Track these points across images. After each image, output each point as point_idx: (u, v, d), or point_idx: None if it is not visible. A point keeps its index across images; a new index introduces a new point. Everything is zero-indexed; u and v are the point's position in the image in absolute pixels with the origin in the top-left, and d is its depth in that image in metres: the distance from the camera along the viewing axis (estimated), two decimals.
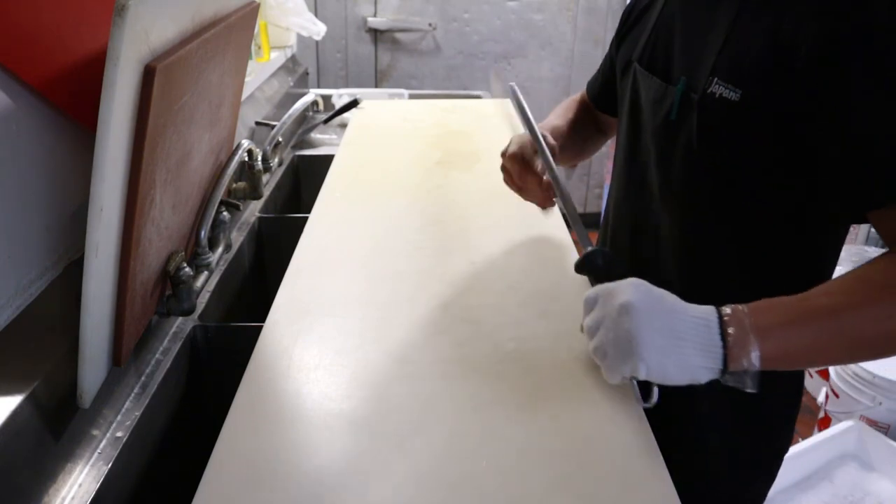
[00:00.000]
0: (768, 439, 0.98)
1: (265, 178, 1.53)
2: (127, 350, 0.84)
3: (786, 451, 1.00)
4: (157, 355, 0.99)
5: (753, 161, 0.79)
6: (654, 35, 0.93)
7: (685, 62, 0.85)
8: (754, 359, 0.68)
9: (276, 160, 1.65)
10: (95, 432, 0.82)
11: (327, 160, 1.64)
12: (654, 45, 0.92)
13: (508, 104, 2.11)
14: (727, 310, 0.71)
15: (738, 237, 0.86)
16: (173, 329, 1.05)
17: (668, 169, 0.88)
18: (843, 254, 2.45)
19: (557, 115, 1.19)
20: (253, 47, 1.79)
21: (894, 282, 0.69)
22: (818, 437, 1.87)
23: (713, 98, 0.79)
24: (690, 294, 0.76)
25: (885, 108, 0.69)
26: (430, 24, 3.18)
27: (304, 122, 2.13)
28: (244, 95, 1.49)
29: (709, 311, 0.71)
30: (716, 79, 0.79)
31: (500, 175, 1.38)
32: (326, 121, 2.08)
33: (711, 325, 0.70)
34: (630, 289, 0.73)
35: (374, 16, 3.16)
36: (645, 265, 0.95)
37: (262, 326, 0.98)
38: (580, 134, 1.18)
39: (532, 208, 1.21)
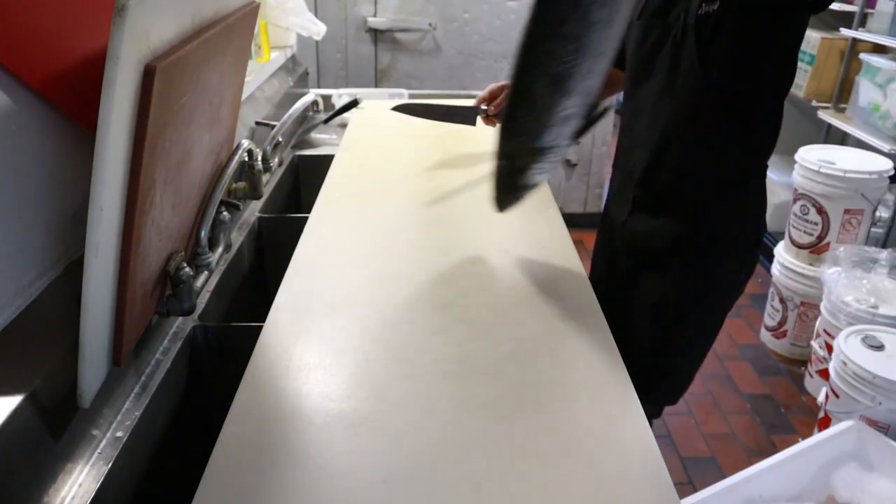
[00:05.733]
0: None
1: (265, 178, 1.53)
2: (127, 350, 0.84)
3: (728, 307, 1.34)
4: (157, 355, 0.99)
5: (732, 57, 1.09)
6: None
7: (679, 5, 1.15)
8: None
9: (276, 160, 1.65)
10: (95, 432, 0.82)
11: (327, 160, 1.64)
12: (652, 4, 1.21)
13: None
14: None
15: (722, 116, 1.16)
16: (173, 329, 1.05)
17: (676, 79, 1.16)
18: (842, 254, 2.42)
19: None
20: (253, 47, 1.79)
21: None
22: (818, 437, 1.86)
23: (703, 17, 1.09)
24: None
25: None
26: (430, 24, 3.18)
27: (304, 122, 2.13)
28: (244, 95, 1.49)
29: None
30: (703, 3, 1.09)
31: None
32: (326, 121, 2.08)
33: None
34: None
35: (374, 16, 3.16)
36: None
37: (262, 326, 0.98)
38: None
39: (532, 208, 1.22)
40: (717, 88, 1.13)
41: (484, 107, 1.51)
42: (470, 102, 2.23)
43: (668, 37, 1.16)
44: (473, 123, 1.54)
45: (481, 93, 1.53)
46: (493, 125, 1.51)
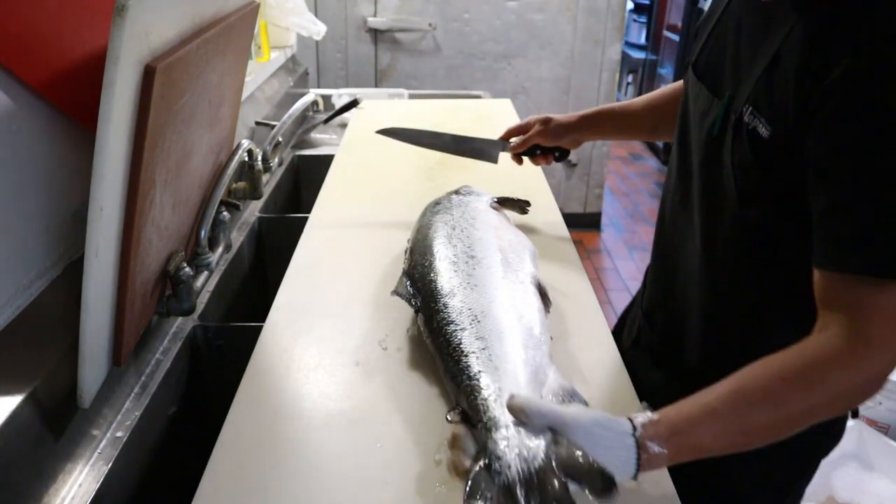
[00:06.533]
0: (797, 468, 0.95)
1: (265, 178, 1.53)
2: (127, 350, 0.84)
3: (810, 476, 0.97)
4: (157, 355, 0.99)
5: (781, 194, 0.76)
6: (710, 43, 0.90)
7: (732, 79, 0.82)
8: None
9: (276, 160, 1.65)
10: (95, 432, 0.82)
11: (327, 160, 1.64)
12: (708, 54, 0.90)
13: (508, 104, 2.11)
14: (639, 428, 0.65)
15: (759, 267, 0.82)
16: (173, 329, 1.05)
17: (712, 181, 0.84)
18: None
19: (643, 96, 1.25)
20: (253, 47, 1.79)
21: (788, 372, 0.66)
22: None
23: (747, 128, 0.76)
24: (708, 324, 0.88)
25: (847, 177, 0.67)
26: (430, 24, 3.18)
27: (304, 122, 2.13)
28: (244, 95, 1.49)
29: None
30: (752, 109, 0.76)
31: (500, 175, 1.38)
32: (326, 121, 2.08)
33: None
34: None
35: (374, 16, 3.16)
36: (674, 283, 0.96)
37: (262, 326, 0.98)
38: (659, 111, 1.18)
39: (532, 208, 1.22)
40: (756, 232, 0.80)
41: (513, 140, 1.29)
42: (470, 102, 2.22)
43: (710, 112, 0.84)
44: (495, 161, 1.32)
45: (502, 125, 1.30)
46: (520, 163, 1.30)
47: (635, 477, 0.63)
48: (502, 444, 0.66)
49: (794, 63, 0.70)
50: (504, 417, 0.69)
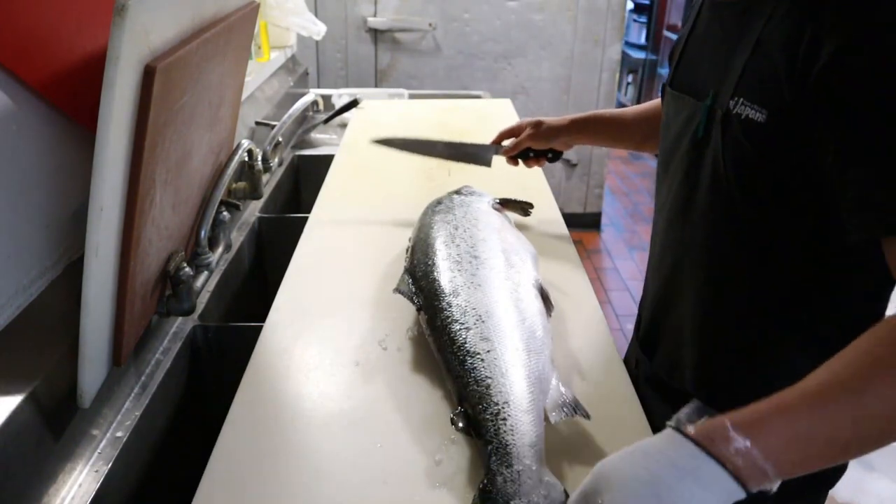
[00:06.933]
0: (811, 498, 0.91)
1: (265, 178, 1.53)
2: (127, 350, 0.84)
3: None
4: (157, 355, 0.99)
5: (781, 184, 0.75)
6: (686, 58, 0.91)
7: (713, 78, 0.82)
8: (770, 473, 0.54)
9: (276, 160, 1.65)
10: (95, 432, 0.82)
11: (327, 160, 1.64)
12: (686, 67, 0.91)
13: (508, 104, 2.11)
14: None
15: (760, 268, 0.81)
16: (173, 329, 1.05)
17: (694, 190, 0.84)
18: None
19: (635, 106, 1.26)
20: (253, 47, 1.79)
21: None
22: None
23: (739, 118, 0.75)
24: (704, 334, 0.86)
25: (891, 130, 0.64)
26: (430, 24, 3.18)
27: (304, 122, 2.13)
28: (244, 95, 1.49)
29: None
30: (742, 99, 0.75)
31: (500, 175, 1.37)
32: (326, 121, 2.08)
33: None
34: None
35: (374, 16, 3.16)
36: (669, 300, 0.94)
37: (262, 326, 0.98)
38: (651, 122, 1.15)
39: (534, 209, 1.22)
40: (750, 231, 0.79)
41: (505, 143, 1.31)
42: (470, 102, 2.22)
43: (695, 117, 0.84)
44: (488, 164, 1.34)
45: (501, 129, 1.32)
46: (515, 164, 1.31)
47: (748, 491, 0.53)
48: (507, 483, 0.66)
49: (778, 44, 0.71)
50: (511, 449, 0.68)
